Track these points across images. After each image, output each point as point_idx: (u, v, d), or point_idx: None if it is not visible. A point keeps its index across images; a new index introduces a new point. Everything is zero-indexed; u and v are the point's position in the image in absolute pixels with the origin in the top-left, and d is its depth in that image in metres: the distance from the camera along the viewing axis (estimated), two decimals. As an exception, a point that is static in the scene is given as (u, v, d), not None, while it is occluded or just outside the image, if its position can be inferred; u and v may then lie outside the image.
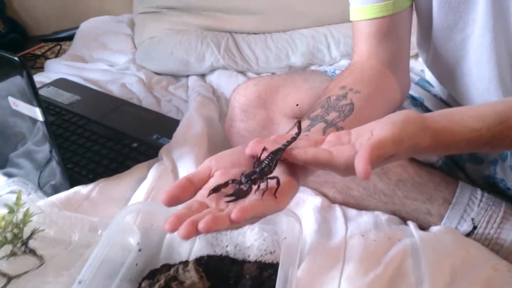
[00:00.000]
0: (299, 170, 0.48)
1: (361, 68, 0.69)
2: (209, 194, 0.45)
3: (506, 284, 0.62)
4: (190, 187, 0.46)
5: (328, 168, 0.45)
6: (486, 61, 0.66)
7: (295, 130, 0.49)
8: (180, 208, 0.43)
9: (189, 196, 0.45)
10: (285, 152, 0.45)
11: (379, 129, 0.45)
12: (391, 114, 0.48)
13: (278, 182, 0.44)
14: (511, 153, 0.74)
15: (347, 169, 0.44)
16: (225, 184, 0.45)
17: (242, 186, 0.44)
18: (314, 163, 0.44)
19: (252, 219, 0.43)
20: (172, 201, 0.44)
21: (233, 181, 0.45)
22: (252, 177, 0.44)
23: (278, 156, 0.45)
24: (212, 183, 0.46)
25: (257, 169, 0.45)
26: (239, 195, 0.44)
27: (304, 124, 0.59)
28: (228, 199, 0.44)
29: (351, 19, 0.72)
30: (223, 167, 0.48)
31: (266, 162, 0.45)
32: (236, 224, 0.40)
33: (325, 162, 0.44)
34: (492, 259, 0.66)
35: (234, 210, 0.39)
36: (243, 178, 0.44)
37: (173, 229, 0.40)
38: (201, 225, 0.39)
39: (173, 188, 0.44)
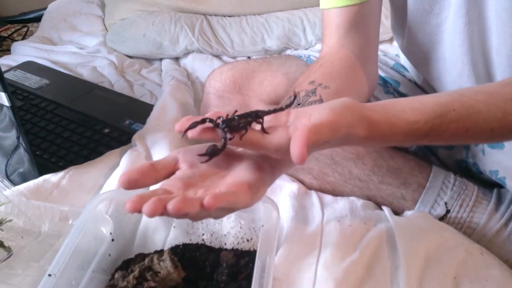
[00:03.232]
0: (269, 166, 0.47)
1: (331, 62, 0.69)
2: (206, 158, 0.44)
3: (479, 267, 0.63)
4: (152, 173, 0.44)
5: (260, 149, 0.44)
6: (459, 46, 0.67)
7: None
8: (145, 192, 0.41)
9: (150, 182, 0.44)
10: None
11: (317, 113, 0.44)
12: (332, 101, 0.47)
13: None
14: (483, 137, 0.75)
15: (278, 151, 0.43)
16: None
17: (217, 144, 0.43)
18: (247, 145, 0.43)
19: (222, 211, 0.42)
20: (131, 184, 0.42)
21: (210, 120, 0.43)
22: (232, 123, 0.42)
23: (251, 118, 0.44)
24: (178, 175, 0.45)
25: (236, 117, 0.43)
26: (212, 153, 0.43)
27: None
28: (203, 159, 0.43)
29: (321, 7, 0.72)
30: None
31: (237, 118, 0.43)
32: (205, 212, 0.39)
33: (257, 144, 0.43)
34: (465, 242, 0.67)
35: (208, 196, 0.38)
36: (220, 122, 0.43)
37: (136, 208, 0.38)
38: (170, 205, 0.37)
39: (134, 170, 0.43)
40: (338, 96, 0.62)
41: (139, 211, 0.38)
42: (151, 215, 0.37)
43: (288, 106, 0.47)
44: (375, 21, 0.72)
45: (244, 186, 0.42)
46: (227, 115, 0.44)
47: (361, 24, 0.70)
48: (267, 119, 0.46)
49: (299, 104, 0.60)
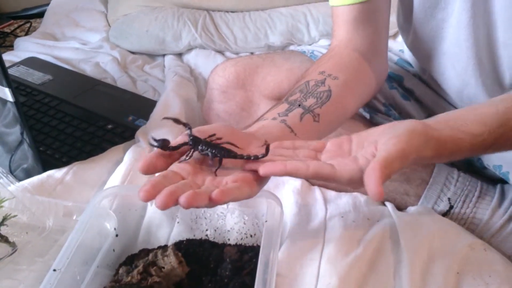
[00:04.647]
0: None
1: (340, 54, 0.69)
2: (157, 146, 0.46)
3: (482, 262, 0.63)
4: (167, 156, 0.46)
5: (332, 182, 0.45)
6: (464, 40, 0.67)
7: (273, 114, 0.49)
8: (154, 176, 0.43)
9: (166, 165, 0.46)
10: (284, 166, 0.44)
11: (384, 143, 0.44)
12: (394, 123, 0.47)
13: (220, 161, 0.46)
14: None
15: (352, 183, 0.44)
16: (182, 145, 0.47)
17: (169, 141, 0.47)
18: (317, 177, 0.44)
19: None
20: (150, 169, 0.45)
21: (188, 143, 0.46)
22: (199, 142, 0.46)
23: (222, 152, 0.46)
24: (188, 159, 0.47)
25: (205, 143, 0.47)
26: (162, 146, 0.46)
27: (282, 107, 0.59)
28: (154, 144, 0.46)
29: (330, 4, 0.72)
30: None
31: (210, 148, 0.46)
32: (213, 204, 0.41)
33: (328, 177, 0.44)
34: (469, 238, 0.67)
35: (216, 191, 0.41)
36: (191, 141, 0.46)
37: (149, 198, 0.40)
38: (182, 199, 0.39)
39: (151, 155, 0.45)
40: (346, 88, 0.63)
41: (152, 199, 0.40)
42: (164, 207, 0.40)
43: (261, 156, 0.47)
44: (384, 16, 0.72)
45: (250, 178, 0.45)
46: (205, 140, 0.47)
47: (369, 20, 0.70)
48: (329, 148, 0.48)
49: (308, 92, 0.61)
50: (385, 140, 0.44)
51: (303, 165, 0.44)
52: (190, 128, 0.48)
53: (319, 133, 0.61)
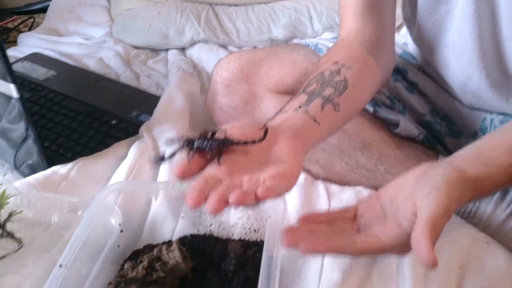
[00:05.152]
0: (300, 141, 0.50)
1: (351, 44, 0.69)
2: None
3: (484, 256, 0.63)
4: (201, 157, 0.47)
5: (382, 253, 0.44)
6: (469, 33, 0.66)
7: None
8: (196, 181, 0.44)
9: (200, 167, 0.46)
10: (332, 244, 0.43)
11: (424, 200, 0.42)
12: (424, 171, 0.46)
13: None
14: (491, 125, 0.75)
15: (401, 249, 0.43)
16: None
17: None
18: (365, 252, 0.43)
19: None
20: (187, 173, 0.45)
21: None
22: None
23: (218, 142, 0.46)
24: (222, 162, 0.46)
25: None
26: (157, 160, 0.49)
27: (302, 98, 0.58)
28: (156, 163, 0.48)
29: None
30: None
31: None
32: (258, 201, 0.42)
33: (376, 250, 0.43)
34: (471, 232, 0.67)
35: (260, 188, 0.42)
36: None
37: (197, 204, 0.41)
38: (232, 198, 0.40)
39: (185, 160, 0.45)
40: (360, 77, 0.63)
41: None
42: (217, 212, 0.40)
43: (258, 141, 0.48)
44: (391, 7, 0.72)
45: (286, 173, 0.45)
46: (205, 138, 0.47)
47: (377, 11, 0.70)
48: (361, 213, 0.47)
49: (325, 82, 0.61)
50: (423, 195, 0.42)
51: (349, 243, 0.43)
52: (205, 133, 0.48)
53: (340, 122, 0.62)
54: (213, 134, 0.48)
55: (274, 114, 0.58)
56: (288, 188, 0.45)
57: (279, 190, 0.43)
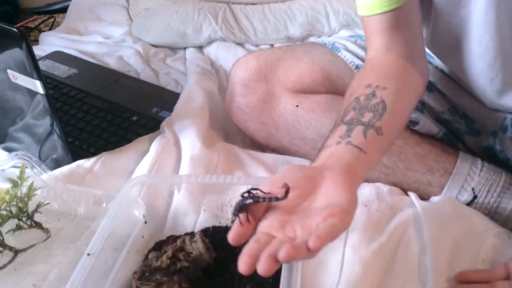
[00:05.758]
0: (350, 183, 0.47)
1: (381, 64, 0.67)
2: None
3: (507, 250, 0.63)
4: (253, 224, 0.44)
5: None
6: (490, 39, 0.65)
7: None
8: (247, 244, 0.41)
9: (253, 229, 0.44)
10: None
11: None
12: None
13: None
14: (511, 124, 0.75)
15: None
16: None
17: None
18: None
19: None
20: (241, 239, 0.43)
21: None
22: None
23: (241, 206, 0.45)
24: (273, 214, 0.45)
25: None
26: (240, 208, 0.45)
27: (342, 130, 0.56)
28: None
29: (359, 13, 0.68)
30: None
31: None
32: (313, 252, 0.39)
33: None
34: (493, 227, 0.67)
35: (311, 239, 0.39)
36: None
37: (251, 269, 0.39)
38: (282, 254, 0.38)
39: (237, 226, 0.44)
40: (399, 96, 0.61)
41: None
42: (268, 274, 0.38)
43: (282, 198, 0.45)
44: (417, 18, 0.69)
45: (340, 210, 0.43)
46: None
47: (404, 24, 0.67)
48: None
49: (362, 108, 0.58)
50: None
51: None
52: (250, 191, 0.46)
53: (386, 145, 0.59)
54: (249, 192, 0.46)
55: (316, 152, 0.56)
56: (345, 227, 0.42)
57: (333, 233, 0.40)
